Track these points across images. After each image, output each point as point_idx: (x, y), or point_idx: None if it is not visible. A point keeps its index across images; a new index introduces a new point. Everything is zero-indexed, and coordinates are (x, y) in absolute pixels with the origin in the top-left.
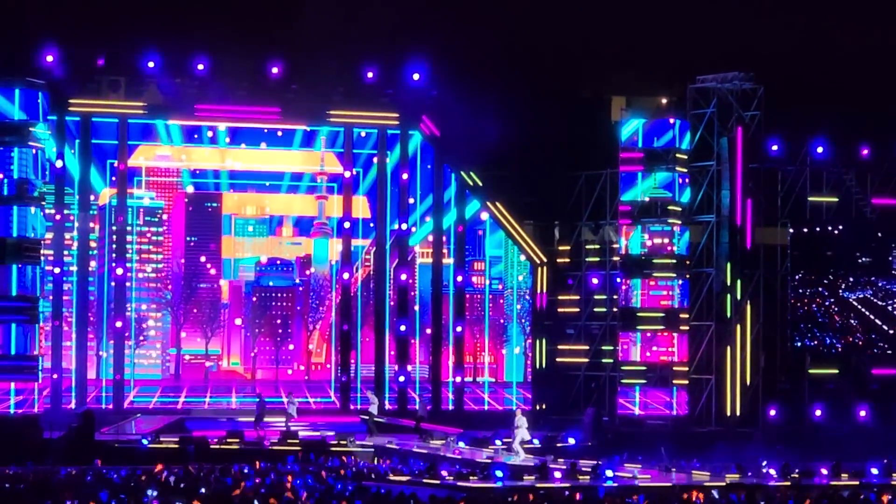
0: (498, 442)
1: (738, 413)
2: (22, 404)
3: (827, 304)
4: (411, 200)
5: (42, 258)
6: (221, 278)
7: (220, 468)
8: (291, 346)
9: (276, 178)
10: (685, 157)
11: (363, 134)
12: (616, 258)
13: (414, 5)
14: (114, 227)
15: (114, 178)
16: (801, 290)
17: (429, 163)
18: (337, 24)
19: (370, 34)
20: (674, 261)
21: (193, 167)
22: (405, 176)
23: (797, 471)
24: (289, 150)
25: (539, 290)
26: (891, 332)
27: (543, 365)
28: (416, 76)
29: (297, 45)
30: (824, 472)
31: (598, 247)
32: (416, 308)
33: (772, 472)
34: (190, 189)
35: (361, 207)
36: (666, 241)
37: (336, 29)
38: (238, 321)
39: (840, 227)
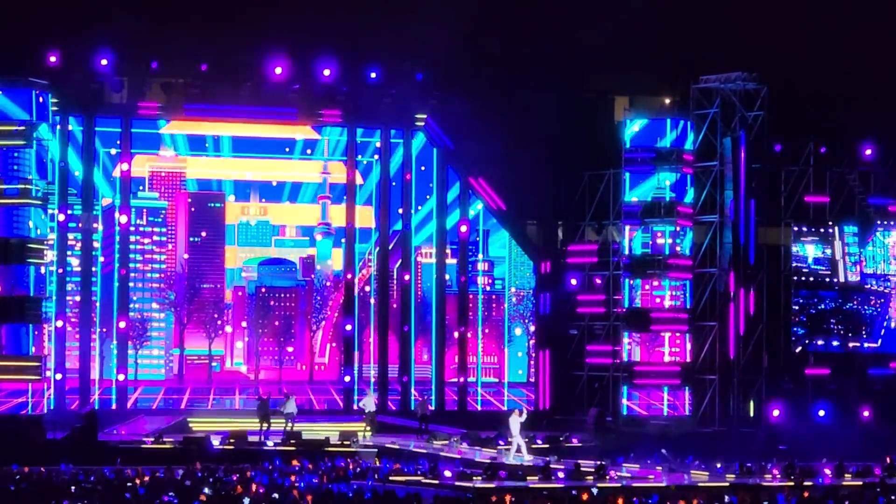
0: (501, 442)
1: (741, 413)
2: (25, 404)
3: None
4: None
5: (45, 258)
6: (224, 278)
7: (223, 468)
8: (291, 348)
9: (279, 189)
10: (688, 157)
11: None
12: (619, 258)
13: (416, 5)
14: (117, 227)
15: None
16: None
17: (432, 163)
18: (339, 24)
19: (373, 34)
20: (677, 261)
21: (197, 177)
22: (408, 176)
23: (800, 471)
24: (291, 160)
25: (542, 291)
26: None
27: (546, 365)
28: (419, 77)
29: (300, 45)
30: (827, 472)
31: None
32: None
33: (775, 472)
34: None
35: (365, 217)
36: (669, 241)
37: (338, 29)
38: (244, 323)
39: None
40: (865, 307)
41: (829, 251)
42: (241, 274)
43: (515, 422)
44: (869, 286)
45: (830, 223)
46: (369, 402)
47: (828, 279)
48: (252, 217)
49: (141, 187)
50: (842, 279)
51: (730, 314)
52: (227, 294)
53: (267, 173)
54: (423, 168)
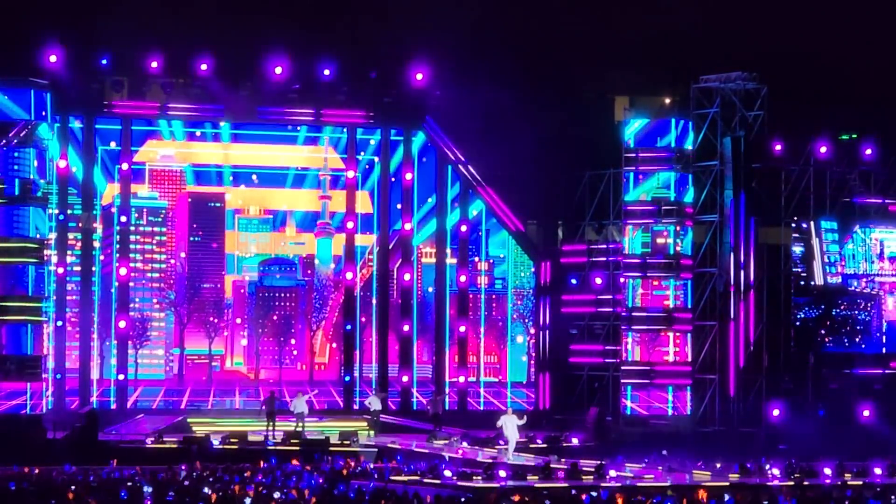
0: (501, 442)
1: (741, 413)
2: (25, 404)
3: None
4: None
5: (45, 258)
6: (225, 278)
7: (223, 468)
8: (295, 351)
9: (280, 175)
10: (688, 156)
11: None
12: (619, 258)
13: (416, 5)
14: (117, 227)
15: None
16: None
17: (432, 163)
18: (339, 24)
19: (373, 35)
20: (677, 260)
21: (196, 163)
22: (409, 176)
23: (800, 471)
24: (293, 147)
25: (542, 290)
26: None
27: (546, 365)
28: (419, 76)
29: (300, 45)
30: (828, 472)
31: (601, 246)
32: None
33: (775, 472)
34: (193, 187)
35: (364, 202)
36: (669, 240)
37: (338, 28)
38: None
39: None
40: (855, 311)
41: (798, 249)
42: (241, 273)
43: (508, 420)
44: (853, 288)
45: (797, 218)
46: (375, 402)
47: (802, 282)
48: (252, 216)
49: (141, 187)
50: (819, 281)
51: (730, 316)
52: (227, 282)
53: (267, 163)
54: (423, 159)
